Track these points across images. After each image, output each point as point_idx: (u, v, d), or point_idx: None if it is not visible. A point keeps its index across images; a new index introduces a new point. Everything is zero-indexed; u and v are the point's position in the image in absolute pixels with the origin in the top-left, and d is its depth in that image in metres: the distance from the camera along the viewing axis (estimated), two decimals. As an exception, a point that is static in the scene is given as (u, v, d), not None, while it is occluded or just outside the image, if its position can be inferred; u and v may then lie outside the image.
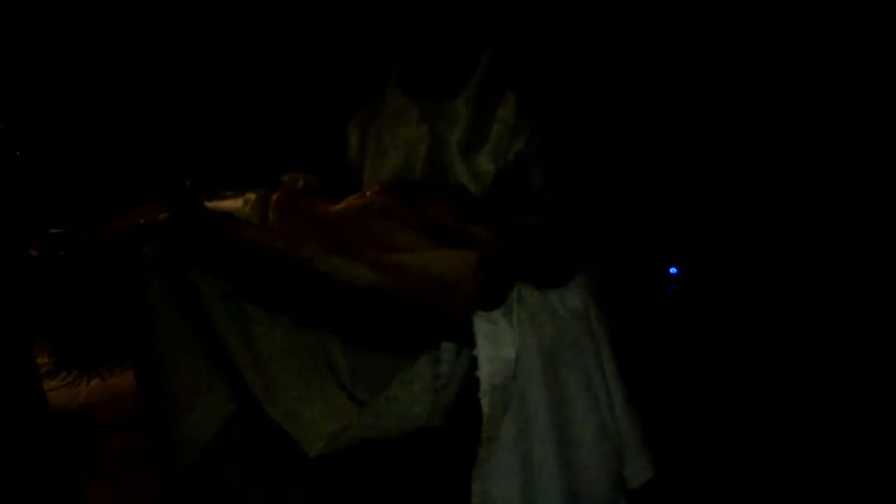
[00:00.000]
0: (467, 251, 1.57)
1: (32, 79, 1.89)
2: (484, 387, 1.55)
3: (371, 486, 1.84)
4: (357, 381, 1.89)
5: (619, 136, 1.96)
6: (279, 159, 1.92)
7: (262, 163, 1.91)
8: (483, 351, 1.54)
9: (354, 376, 1.89)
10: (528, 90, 1.83)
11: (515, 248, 1.62)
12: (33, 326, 1.89)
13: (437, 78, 1.82)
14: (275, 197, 1.74)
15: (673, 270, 2.36)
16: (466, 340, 1.57)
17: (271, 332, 1.84)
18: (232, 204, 1.73)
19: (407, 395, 1.75)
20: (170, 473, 1.78)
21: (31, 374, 1.97)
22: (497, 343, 1.55)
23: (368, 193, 1.74)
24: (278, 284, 1.65)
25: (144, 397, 1.80)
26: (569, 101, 1.84)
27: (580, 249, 1.73)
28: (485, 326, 1.55)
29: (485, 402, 1.56)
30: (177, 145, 1.98)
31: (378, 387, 1.83)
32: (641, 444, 1.74)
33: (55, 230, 1.94)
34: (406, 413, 1.76)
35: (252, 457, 1.84)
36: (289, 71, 2.03)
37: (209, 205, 1.69)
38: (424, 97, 1.84)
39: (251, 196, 1.75)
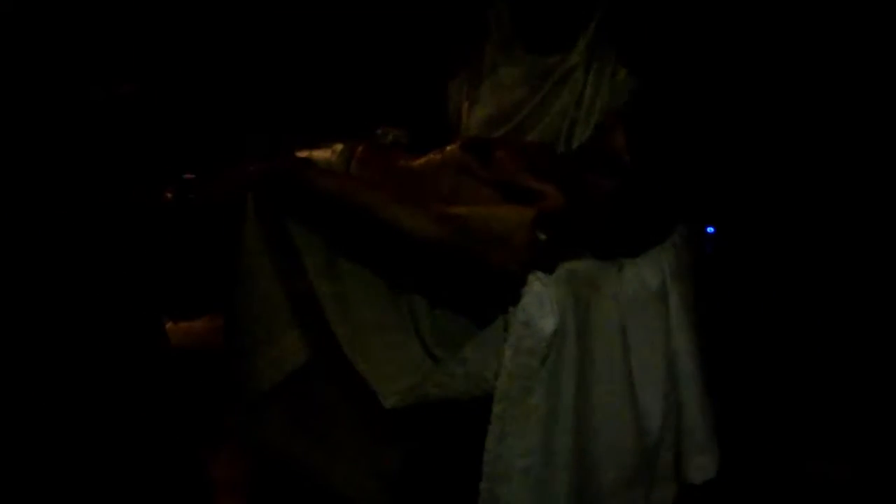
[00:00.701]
0: (530, 207, 1.53)
1: (157, 40, 2.06)
2: (508, 352, 1.49)
3: (436, 446, 1.84)
4: (437, 339, 1.88)
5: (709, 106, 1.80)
6: (381, 114, 1.95)
7: (365, 117, 1.95)
8: (521, 313, 1.49)
9: (435, 333, 1.88)
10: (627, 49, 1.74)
11: (580, 208, 1.54)
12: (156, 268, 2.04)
13: (541, 31, 1.77)
14: (360, 148, 1.78)
15: (710, 230, 2.13)
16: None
17: (359, 282, 1.88)
18: (321, 154, 1.79)
19: (479, 358, 1.73)
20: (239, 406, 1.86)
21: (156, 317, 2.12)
22: (540, 309, 1.49)
23: (448, 148, 1.73)
24: (349, 231, 1.68)
25: (226, 335, 1.89)
26: (663, 64, 1.72)
27: (656, 218, 1.61)
28: (534, 287, 1.49)
29: (507, 358, 1.50)
30: (286, 99, 2.08)
31: (457, 346, 1.83)
32: (710, 439, 1.60)
33: (188, 175, 2.10)
34: (477, 376, 1.73)
35: (328, 401, 1.90)
36: (395, 27, 2.06)
37: (301, 154, 1.76)
38: (526, 52, 1.80)
39: (338, 147, 1.80)
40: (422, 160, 1.74)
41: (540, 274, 1.50)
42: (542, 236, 1.48)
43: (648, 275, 1.64)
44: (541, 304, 1.50)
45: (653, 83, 1.71)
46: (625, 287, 1.60)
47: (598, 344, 1.58)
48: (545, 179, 1.58)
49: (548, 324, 1.49)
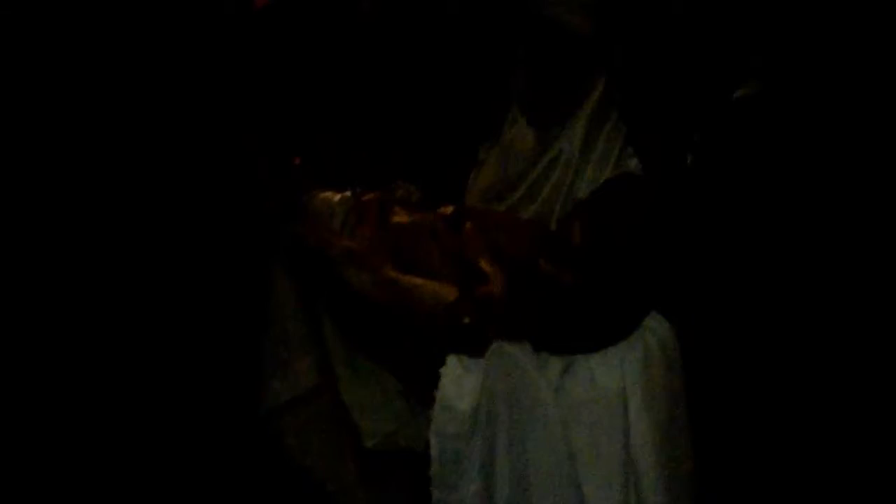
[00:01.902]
0: (464, 288, 1.52)
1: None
2: (433, 439, 1.50)
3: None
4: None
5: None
6: (408, 169, 2.00)
7: (393, 169, 2.01)
8: (441, 392, 1.49)
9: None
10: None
11: (520, 297, 1.50)
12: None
13: (543, 101, 1.72)
14: (362, 202, 1.85)
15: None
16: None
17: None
18: (327, 196, 1.89)
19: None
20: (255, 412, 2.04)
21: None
22: (458, 391, 1.48)
23: (435, 213, 1.75)
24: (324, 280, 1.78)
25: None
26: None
27: (614, 314, 1.53)
28: (452, 369, 1.49)
29: (432, 445, 1.50)
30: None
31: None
32: None
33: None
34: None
35: (317, 429, 2.03)
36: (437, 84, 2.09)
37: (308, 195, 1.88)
38: (532, 122, 1.76)
39: (346, 194, 1.88)
40: (414, 220, 1.77)
41: (464, 357, 1.50)
42: (466, 319, 1.47)
43: (602, 374, 1.56)
44: (458, 386, 1.49)
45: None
46: (570, 385, 1.54)
47: (532, 433, 1.53)
48: (499, 262, 1.55)
49: (465, 404, 1.49)
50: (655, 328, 1.61)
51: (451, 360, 1.50)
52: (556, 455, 1.56)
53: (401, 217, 1.80)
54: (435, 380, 1.63)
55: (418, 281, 1.54)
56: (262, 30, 2.23)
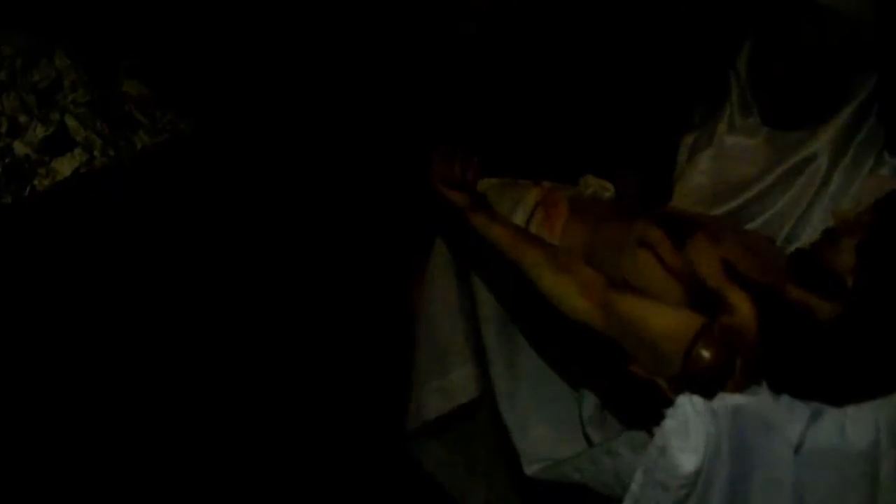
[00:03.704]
0: (705, 315, 1.26)
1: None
2: (638, 475, 1.25)
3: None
4: (596, 419, 1.69)
5: None
6: (591, 161, 1.75)
7: (574, 161, 1.76)
8: (660, 436, 1.24)
9: (596, 412, 1.69)
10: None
11: (776, 334, 1.24)
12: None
13: (782, 103, 1.46)
14: (551, 195, 1.60)
15: None
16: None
17: (530, 344, 1.73)
18: (512, 189, 1.64)
19: (632, 457, 1.51)
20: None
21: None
22: (682, 440, 1.23)
23: (642, 218, 1.49)
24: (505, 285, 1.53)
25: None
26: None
27: (882, 363, 1.26)
28: (681, 411, 1.23)
29: (629, 496, 1.26)
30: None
31: (612, 433, 1.62)
32: None
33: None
34: (626, 476, 1.51)
35: (468, 450, 1.80)
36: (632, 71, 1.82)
37: (485, 182, 1.63)
38: (762, 123, 1.50)
39: (536, 188, 1.63)
40: (610, 223, 1.52)
41: (695, 398, 1.25)
42: (706, 353, 1.22)
43: (854, 430, 1.30)
44: (685, 434, 1.24)
45: None
46: (813, 440, 1.28)
47: (758, 497, 1.29)
48: (744, 288, 1.29)
49: (687, 461, 1.23)
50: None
51: (683, 401, 1.25)
52: None
53: (593, 218, 1.55)
54: (644, 415, 1.38)
55: (650, 304, 1.28)
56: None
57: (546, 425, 1.72)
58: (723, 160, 1.52)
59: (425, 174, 1.56)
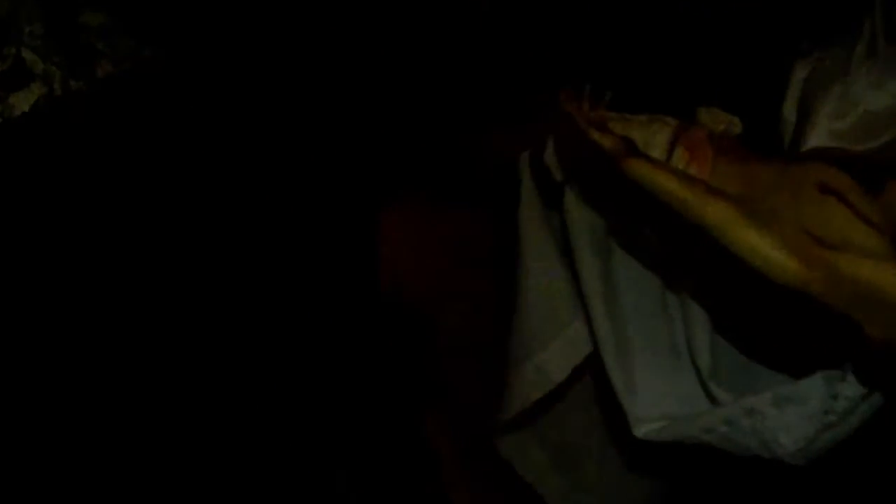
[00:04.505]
0: None
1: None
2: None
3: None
4: (716, 373, 1.56)
5: None
6: (700, 90, 1.58)
7: (681, 91, 1.58)
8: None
9: (715, 366, 1.57)
10: None
11: None
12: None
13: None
14: (688, 133, 1.43)
15: None
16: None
17: (637, 286, 1.56)
18: (638, 128, 1.45)
19: (777, 416, 1.40)
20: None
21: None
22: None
23: (805, 160, 1.35)
24: (662, 239, 1.36)
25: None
26: None
27: None
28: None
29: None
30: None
31: (740, 389, 1.51)
32: None
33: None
34: (768, 436, 1.41)
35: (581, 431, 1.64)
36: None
37: (613, 124, 1.42)
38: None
39: (662, 125, 1.44)
40: (764, 166, 1.37)
41: None
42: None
43: None
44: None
45: None
46: None
47: None
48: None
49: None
50: None
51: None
52: None
53: (745, 159, 1.40)
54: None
55: (871, 264, 1.15)
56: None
57: (656, 382, 1.58)
58: (867, 88, 1.39)
59: (550, 123, 1.34)
